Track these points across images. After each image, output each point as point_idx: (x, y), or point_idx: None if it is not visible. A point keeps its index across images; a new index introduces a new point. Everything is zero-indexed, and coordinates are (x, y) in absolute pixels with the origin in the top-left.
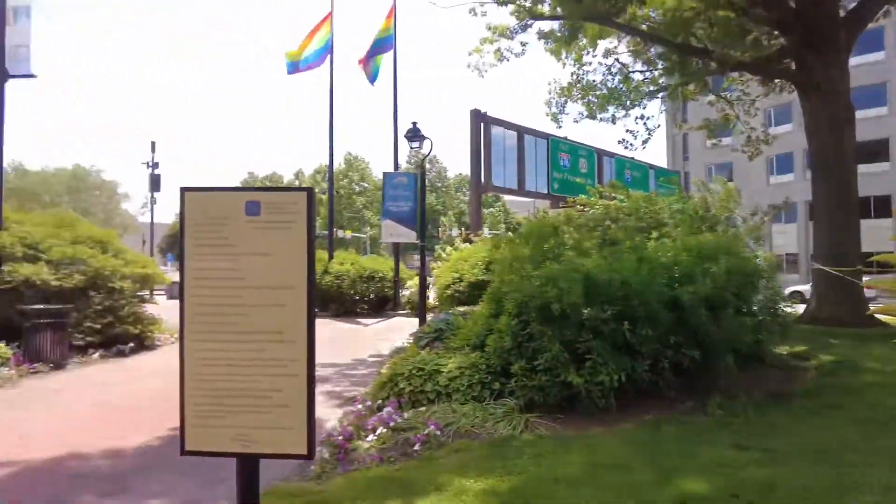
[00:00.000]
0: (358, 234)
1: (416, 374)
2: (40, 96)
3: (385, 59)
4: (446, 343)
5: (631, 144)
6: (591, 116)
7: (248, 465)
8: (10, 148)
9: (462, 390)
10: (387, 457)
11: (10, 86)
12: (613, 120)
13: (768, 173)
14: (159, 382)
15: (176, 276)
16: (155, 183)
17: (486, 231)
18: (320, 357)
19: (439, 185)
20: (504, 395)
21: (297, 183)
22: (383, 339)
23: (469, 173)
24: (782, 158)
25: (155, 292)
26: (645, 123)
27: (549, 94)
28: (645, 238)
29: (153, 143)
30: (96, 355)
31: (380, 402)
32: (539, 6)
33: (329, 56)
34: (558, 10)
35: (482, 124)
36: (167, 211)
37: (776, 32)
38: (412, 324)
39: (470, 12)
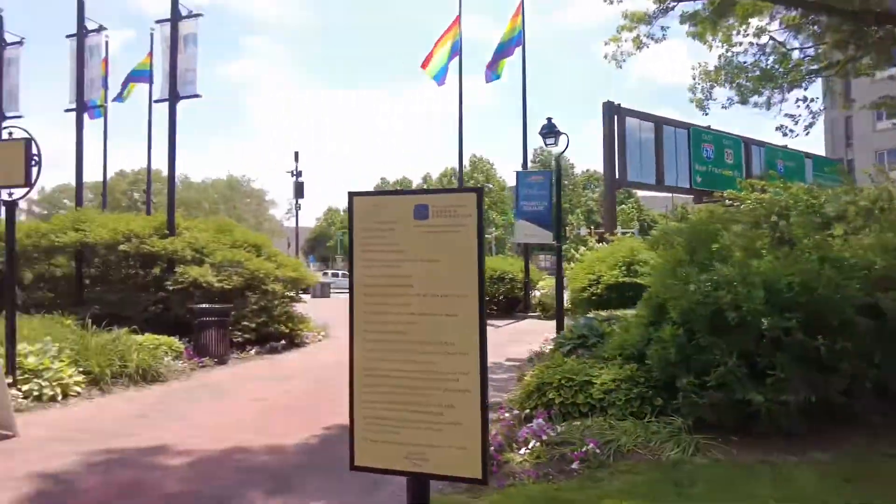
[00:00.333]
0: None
1: (565, 385)
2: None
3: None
4: (593, 351)
5: (791, 130)
6: (743, 101)
7: (419, 485)
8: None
9: (619, 405)
10: (543, 473)
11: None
12: (768, 105)
13: None
14: (311, 380)
15: (320, 278)
16: (299, 190)
17: (619, 230)
18: None
19: (566, 182)
20: (666, 412)
21: (425, 187)
22: (517, 341)
23: (601, 169)
24: None
25: (300, 291)
26: (808, 106)
27: (694, 79)
28: (827, 235)
29: (296, 153)
30: (253, 351)
31: (527, 411)
32: None
33: (458, 58)
34: None
35: (615, 116)
36: (309, 216)
37: None
38: (545, 327)
39: (605, 0)
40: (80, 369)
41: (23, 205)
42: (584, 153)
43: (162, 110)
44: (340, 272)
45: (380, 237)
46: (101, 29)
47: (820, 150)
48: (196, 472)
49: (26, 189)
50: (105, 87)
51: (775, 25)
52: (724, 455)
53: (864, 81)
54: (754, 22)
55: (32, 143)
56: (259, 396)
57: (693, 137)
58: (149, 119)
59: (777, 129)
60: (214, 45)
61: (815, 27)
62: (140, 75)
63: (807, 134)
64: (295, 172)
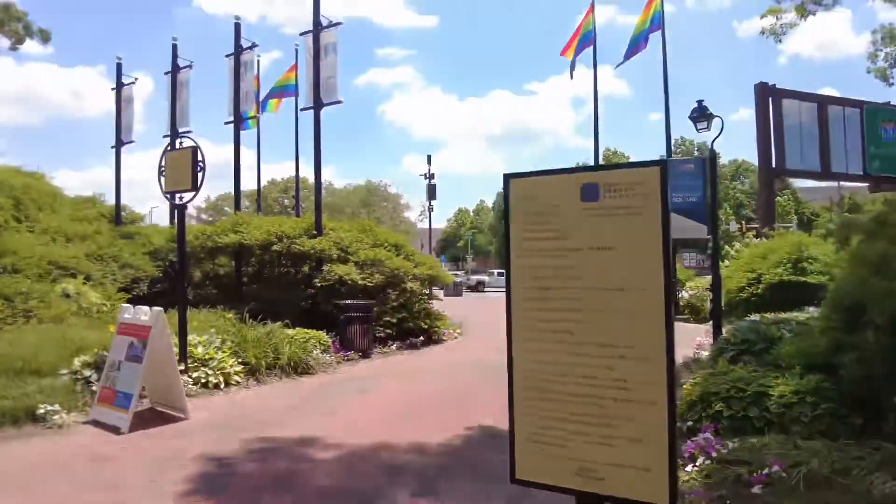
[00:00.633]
0: None
1: (735, 396)
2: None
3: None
4: (762, 358)
5: None
6: None
7: None
8: None
9: (805, 422)
10: (718, 495)
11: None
12: None
13: None
14: (451, 376)
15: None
16: (431, 192)
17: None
18: None
19: None
20: (867, 433)
21: None
22: None
23: (750, 158)
24: None
25: (435, 289)
26: None
27: (875, 44)
28: None
29: (429, 157)
30: (394, 346)
31: (690, 423)
32: None
33: (593, 47)
34: None
35: (770, 98)
36: (440, 217)
37: None
38: (693, 331)
39: None
40: (239, 360)
41: (192, 212)
42: (728, 143)
43: (307, 121)
44: (496, 271)
45: (541, 223)
46: (253, 46)
47: None
48: (343, 466)
49: (193, 193)
50: (257, 101)
51: None
52: None
53: None
54: None
55: (198, 150)
56: (402, 392)
57: (867, 117)
58: (295, 129)
59: None
60: (352, 55)
61: None
62: (283, 90)
63: None
64: (428, 175)
